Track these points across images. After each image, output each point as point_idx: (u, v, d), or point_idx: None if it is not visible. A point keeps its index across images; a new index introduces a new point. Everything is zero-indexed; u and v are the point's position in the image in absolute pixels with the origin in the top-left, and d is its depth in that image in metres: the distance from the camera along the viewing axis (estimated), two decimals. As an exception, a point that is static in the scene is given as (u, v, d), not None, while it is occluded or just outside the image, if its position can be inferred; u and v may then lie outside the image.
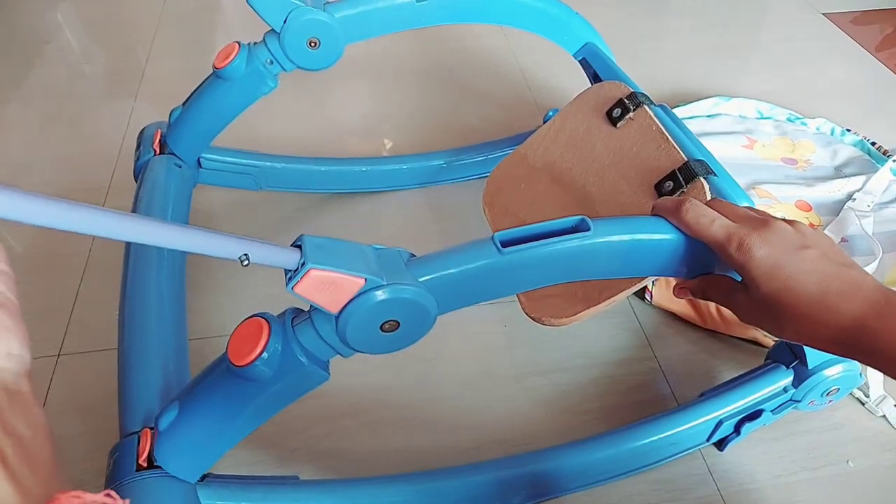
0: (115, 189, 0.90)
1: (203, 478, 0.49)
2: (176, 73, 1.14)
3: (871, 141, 0.95)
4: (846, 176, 0.90)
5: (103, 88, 1.10)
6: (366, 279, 0.37)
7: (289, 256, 0.36)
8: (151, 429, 0.49)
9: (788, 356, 0.61)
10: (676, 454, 0.63)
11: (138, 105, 1.06)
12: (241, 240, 0.34)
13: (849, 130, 0.98)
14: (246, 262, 0.33)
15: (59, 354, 0.70)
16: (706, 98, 1.01)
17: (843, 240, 0.81)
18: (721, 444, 0.63)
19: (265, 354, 0.41)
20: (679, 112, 0.97)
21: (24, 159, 0.95)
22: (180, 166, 0.75)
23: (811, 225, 0.84)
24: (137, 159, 0.76)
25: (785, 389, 0.60)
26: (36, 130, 1.01)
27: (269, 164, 0.84)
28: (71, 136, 1.00)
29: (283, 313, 0.43)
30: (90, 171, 0.92)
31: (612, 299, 0.55)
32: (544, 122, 0.73)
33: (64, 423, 0.64)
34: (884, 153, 0.93)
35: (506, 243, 0.41)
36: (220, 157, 0.80)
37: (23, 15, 1.28)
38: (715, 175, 0.56)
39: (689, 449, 0.63)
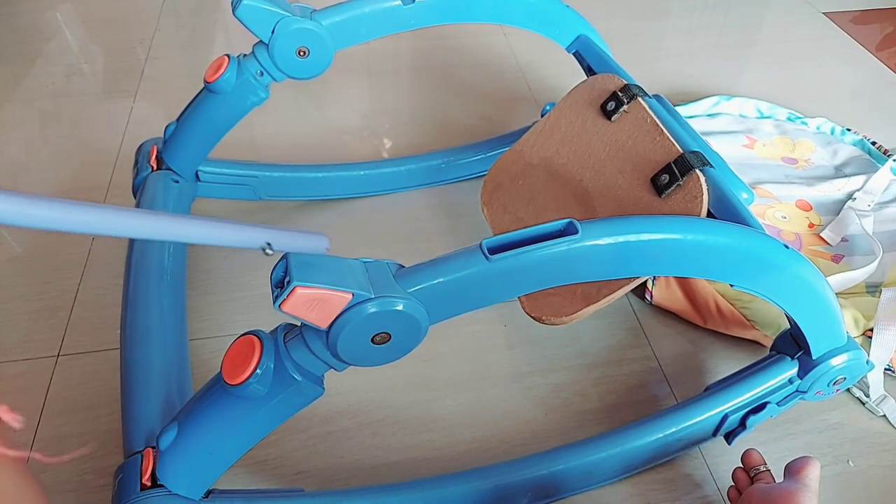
0: (115, 189, 0.90)
1: (207, 494, 0.49)
2: (175, 73, 1.14)
3: (871, 140, 0.95)
4: (846, 175, 0.90)
5: (103, 88, 1.10)
6: (353, 294, 0.37)
7: (315, 241, 0.36)
8: (154, 448, 0.49)
9: (793, 347, 0.60)
10: (682, 450, 0.62)
11: (137, 104, 1.06)
12: (262, 229, 0.33)
13: (849, 130, 0.98)
14: (270, 252, 0.33)
15: (58, 355, 0.70)
16: (706, 97, 1.01)
17: (843, 239, 0.81)
18: (729, 438, 0.63)
19: (258, 372, 0.41)
20: (679, 111, 0.97)
21: (23, 159, 0.95)
22: (178, 181, 0.75)
23: (811, 225, 0.84)
24: (135, 176, 0.76)
25: (790, 381, 0.60)
26: (35, 130, 1.01)
27: (266, 173, 0.83)
28: (70, 135, 0.99)
29: (275, 330, 0.43)
30: (89, 171, 0.92)
31: (612, 296, 0.54)
32: (542, 116, 0.73)
33: (64, 423, 0.64)
34: (884, 153, 0.93)
35: (493, 250, 0.41)
36: (217, 170, 0.79)
37: (22, 14, 1.28)
38: (712, 167, 0.56)
39: (696, 444, 0.63)
